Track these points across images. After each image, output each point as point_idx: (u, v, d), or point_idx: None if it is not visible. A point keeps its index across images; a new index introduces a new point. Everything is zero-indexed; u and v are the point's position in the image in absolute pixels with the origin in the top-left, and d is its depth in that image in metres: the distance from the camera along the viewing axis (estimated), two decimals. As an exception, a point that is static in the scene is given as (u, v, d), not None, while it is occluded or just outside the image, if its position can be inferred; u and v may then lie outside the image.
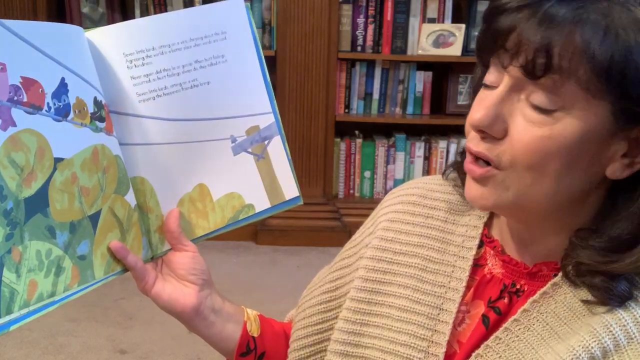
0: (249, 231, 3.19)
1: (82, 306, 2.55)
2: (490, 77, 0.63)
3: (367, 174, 3.33)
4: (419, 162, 3.33)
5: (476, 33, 3.21)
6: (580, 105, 0.58)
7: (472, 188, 0.65)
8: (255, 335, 0.83)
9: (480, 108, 0.61)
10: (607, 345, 0.60)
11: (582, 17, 0.56)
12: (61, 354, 2.26)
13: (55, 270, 0.64)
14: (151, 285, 0.75)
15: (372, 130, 3.41)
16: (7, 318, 0.59)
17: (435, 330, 0.70)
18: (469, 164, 0.64)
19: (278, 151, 0.82)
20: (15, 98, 0.61)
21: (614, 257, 0.61)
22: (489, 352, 0.66)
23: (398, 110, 3.31)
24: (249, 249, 3.15)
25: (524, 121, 0.60)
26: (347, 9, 3.15)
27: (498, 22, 0.60)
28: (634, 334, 0.61)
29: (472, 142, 0.63)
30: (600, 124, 0.58)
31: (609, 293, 0.61)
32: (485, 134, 0.62)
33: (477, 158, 0.63)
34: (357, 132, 3.36)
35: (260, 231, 3.18)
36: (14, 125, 0.61)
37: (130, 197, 0.73)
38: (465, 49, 3.20)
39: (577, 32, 0.56)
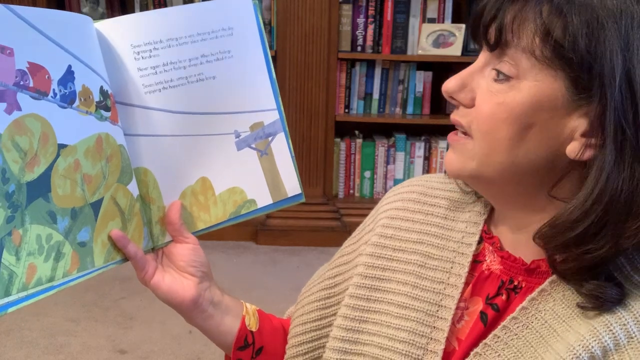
0: (249, 231, 3.19)
1: (82, 306, 2.55)
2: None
3: (367, 174, 3.33)
4: (419, 162, 3.33)
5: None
6: (533, 75, 0.60)
7: (447, 154, 0.69)
8: (254, 329, 0.82)
9: (453, 77, 0.66)
10: (608, 344, 0.60)
11: None
12: (61, 354, 2.26)
13: (55, 256, 0.64)
14: (151, 276, 0.75)
15: (372, 130, 3.41)
16: (5, 300, 0.59)
17: (434, 327, 0.70)
18: (450, 134, 0.68)
19: (281, 148, 0.83)
20: (22, 83, 0.61)
21: (577, 243, 0.60)
22: (487, 350, 0.65)
23: (398, 110, 3.31)
24: (249, 249, 3.15)
25: (486, 90, 0.63)
26: (347, 9, 3.15)
27: (481, 1, 0.64)
28: (634, 333, 0.60)
29: (453, 112, 0.67)
30: (553, 94, 0.60)
31: (600, 300, 0.61)
32: (456, 101, 0.66)
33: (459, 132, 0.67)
34: (357, 132, 3.36)
35: (260, 231, 3.18)
36: (19, 109, 0.61)
37: (133, 187, 0.74)
38: (465, 49, 3.20)
39: (526, 5, 0.59)
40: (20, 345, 2.30)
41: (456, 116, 0.66)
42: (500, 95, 0.62)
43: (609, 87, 0.57)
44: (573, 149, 0.60)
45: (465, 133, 0.66)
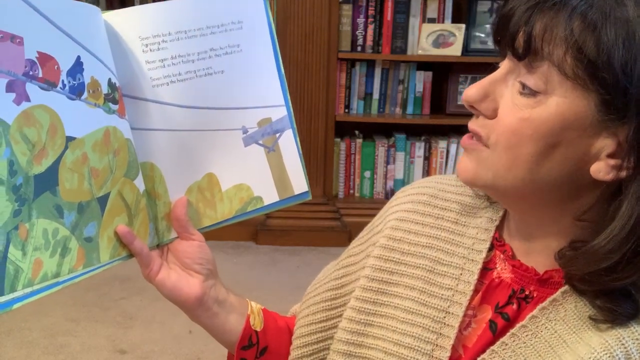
0: (249, 231, 3.19)
1: (82, 306, 2.54)
2: (502, 61, 0.64)
3: (367, 174, 3.33)
4: (419, 162, 3.32)
5: (476, 33, 3.22)
6: (562, 91, 0.57)
7: (461, 159, 0.66)
8: (258, 329, 0.81)
9: (474, 85, 0.63)
10: (619, 358, 0.59)
11: (566, 3, 0.56)
12: (61, 354, 2.25)
13: (61, 251, 0.63)
14: (156, 273, 0.74)
15: (372, 130, 3.41)
16: (11, 296, 0.57)
17: (441, 334, 0.69)
18: (464, 137, 0.66)
19: (289, 145, 0.81)
20: (31, 73, 0.59)
21: (608, 271, 0.58)
22: (494, 357, 0.65)
23: (398, 110, 3.31)
24: (249, 249, 3.14)
25: (510, 103, 0.61)
26: (347, 9, 3.15)
27: (505, 6, 0.61)
28: None
29: (471, 120, 0.65)
30: (582, 113, 0.57)
31: (614, 313, 0.60)
32: (477, 111, 0.63)
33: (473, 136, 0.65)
34: (357, 132, 3.36)
35: (260, 231, 3.18)
36: (28, 100, 0.59)
37: (140, 182, 0.72)
38: (465, 49, 3.20)
39: (557, 16, 0.56)
40: (20, 345, 2.29)
41: (475, 126, 0.64)
42: (526, 110, 0.59)
43: None
44: (598, 169, 0.59)
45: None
